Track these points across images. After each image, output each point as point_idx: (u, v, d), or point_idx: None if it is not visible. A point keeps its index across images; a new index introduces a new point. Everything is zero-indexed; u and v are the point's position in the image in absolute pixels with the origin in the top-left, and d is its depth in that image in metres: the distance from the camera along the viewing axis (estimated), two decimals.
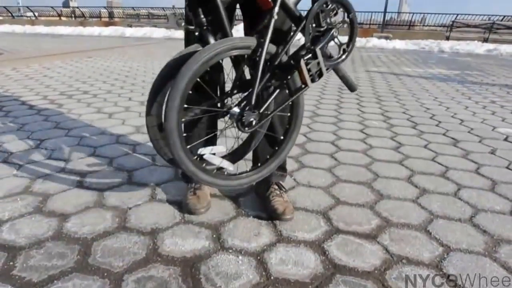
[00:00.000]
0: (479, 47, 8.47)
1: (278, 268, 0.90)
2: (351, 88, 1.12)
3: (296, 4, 0.98)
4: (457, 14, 13.01)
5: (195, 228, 1.05)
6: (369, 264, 0.93)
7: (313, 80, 0.93)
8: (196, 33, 0.90)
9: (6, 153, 1.58)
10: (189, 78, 0.83)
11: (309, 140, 1.87)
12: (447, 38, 10.80)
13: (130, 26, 13.30)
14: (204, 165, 0.97)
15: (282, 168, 1.23)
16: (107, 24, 14.11)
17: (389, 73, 4.41)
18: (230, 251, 0.96)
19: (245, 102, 0.91)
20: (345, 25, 1.06)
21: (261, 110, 0.93)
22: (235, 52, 0.89)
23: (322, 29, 0.99)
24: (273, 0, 0.91)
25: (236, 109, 0.92)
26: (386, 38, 9.62)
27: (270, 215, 1.13)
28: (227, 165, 0.98)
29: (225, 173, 1.02)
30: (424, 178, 1.45)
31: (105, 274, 0.86)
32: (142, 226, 1.05)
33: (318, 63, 0.94)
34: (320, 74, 0.94)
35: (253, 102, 0.89)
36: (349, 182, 1.39)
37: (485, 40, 10.28)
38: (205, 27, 0.89)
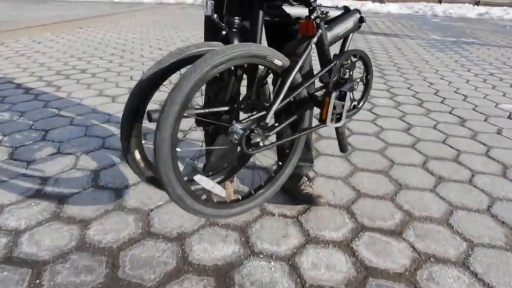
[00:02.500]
0: (471, 11, 8.06)
1: (311, 273, 0.85)
2: (343, 148, 1.06)
3: (329, 45, 0.93)
4: None
5: (222, 231, 0.98)
6: (399, 264, 0.89)
7: (331, 120, 0.87)
8: (224, 32, 0.75)
9: (10, 148, 1.43)
10: (196, 82, 0.68)
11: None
12: (440, 1, 10.21)
13: None
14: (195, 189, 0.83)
15: (310, 160, 1.17)
16: None
17: (388, 42, 4.16)
18: (261, 256, 0.90)
19: (257, 121, 0.81)
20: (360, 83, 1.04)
21: (271, 134, 0.82)
22: (256, 61, 0.78)
23: (344, 77, 0.95)
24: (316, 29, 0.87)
25: (238, 125, 0.79)
26: (381, 1, 9.02)
27: (304, 200, 1.08)
28: (219, 191, 0.84)
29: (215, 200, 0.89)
30: (438, 164, 1.39)
31: None
32: (167, 231, 0.97)
33: (343, 106, 0.88)
34: (339, 119, 0.89)
35: (267, 121, 0.78)
36: (367, 171, 1.32)
37: (477, 3, 9.78)
38: (234, 29, 0.75)
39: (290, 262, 0.88)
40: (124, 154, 0.83)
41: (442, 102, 2.12)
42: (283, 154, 1.01)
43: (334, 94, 0.85)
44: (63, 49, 3.34)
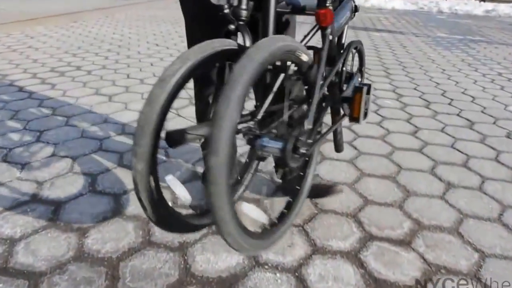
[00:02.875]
0: (478, 7, 8.04)
1: (319, 286, 0.84)
2: (338, 148, 1.05)
3: (335, 36, 0.89)
4: None
5: None
6: (409, 276, 0.88)
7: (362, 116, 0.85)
8: (232, 27, 0.69)
9: (4, 149, 1.41)
10: (248, 83, 0.55)
11: (324, 125, 1.74)
12: None
13: None
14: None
15: None
16: None
17: (392, 39, 4.14)
18: (266, 267, 0.89)
19: (297, 128, 0.73)
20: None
21: (312, 140, 0.75)
22: (288, 57, 0.71)
23: (349, 71, 0.94)
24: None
25: (269, 136, 0.68)
26: None
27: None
28: (264, 219, 0.78)
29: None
30: (447, 169, 1.38)
31: None
32: (168, 240, 0.96)
33: (369, 100, 0.87)
34: (366, 114, 0.87)
35: (309, 126, 0.71)
36: (373, 177, 1.31)
37: (483, 0, 9.74)
38: (242, 22, 0.70)
39: (296, 274, 0.87)
40: (136, 180, 0.61)
41: (449, 103, 2.11)
42: (304, 162, 0.94)
43: (365, 89, 0.83)
44: (56, 45, 3.30)
